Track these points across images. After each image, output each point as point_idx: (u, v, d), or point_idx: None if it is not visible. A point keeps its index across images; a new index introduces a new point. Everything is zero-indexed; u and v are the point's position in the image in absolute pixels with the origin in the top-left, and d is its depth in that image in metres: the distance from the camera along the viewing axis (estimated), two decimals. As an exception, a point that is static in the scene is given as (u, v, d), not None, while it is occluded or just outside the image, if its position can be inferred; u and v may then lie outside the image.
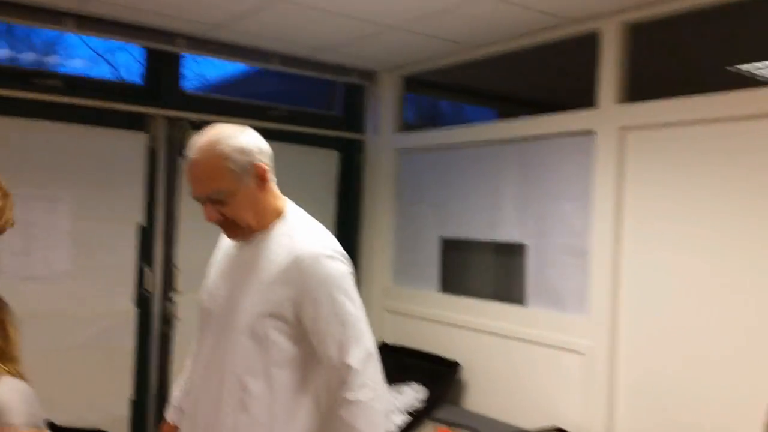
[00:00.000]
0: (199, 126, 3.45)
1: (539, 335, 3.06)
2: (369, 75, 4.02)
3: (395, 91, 4.00)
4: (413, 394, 3.31)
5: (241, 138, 1.73)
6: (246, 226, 1.75)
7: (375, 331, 3.89)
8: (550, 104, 3.27)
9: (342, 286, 1.72)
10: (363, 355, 1.68)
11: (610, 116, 2.83)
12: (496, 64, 3.50)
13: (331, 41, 3.40)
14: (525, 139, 3.20)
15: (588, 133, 2.90)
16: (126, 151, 3.35)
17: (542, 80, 3.83)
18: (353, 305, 1.72)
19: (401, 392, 3.37)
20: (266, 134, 3.81)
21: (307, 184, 4.00)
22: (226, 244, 1.90)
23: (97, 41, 4.11)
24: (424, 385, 3.37)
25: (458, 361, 3.37)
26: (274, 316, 1.70)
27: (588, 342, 2.86)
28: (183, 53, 3.47)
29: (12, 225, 1.26)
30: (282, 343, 1.71)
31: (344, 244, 4.06)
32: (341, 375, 1.66)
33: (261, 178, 1.74)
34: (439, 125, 4.09)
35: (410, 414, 3.21)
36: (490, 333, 3.29)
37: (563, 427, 2.87)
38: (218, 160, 1.68)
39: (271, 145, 3.83)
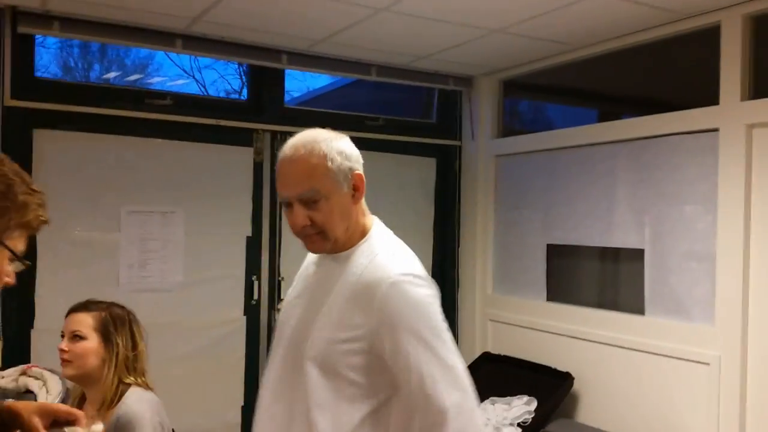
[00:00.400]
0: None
1: (659, 345, 2.91)
2: (466, 80, 3.97)
3: (494, 96, 3.93)
4: (523, 407, 3.21)
5: (342, 142, 1.61)
6: (334, 238, 1.58)
7: (477, 341, 3.89)
8: (662, 103, 3.12)
9: (425, 316, 1.52)
10: (453, 399, 1.46)
11: (735, 113, 2.66)
12: (600, 63, 3.38)
13: (429, 49, 3.38)
14: (640, 140, 3.06)
15: (711, 131, 2.75)
16: (234, 165, 3.44)
17: (653, 78, 3.67)
18: (439, 338, 1.52)
19: (510, 404, 3.28)
20: (364, 144, 3.84)
21: (406, 193, 4.00)
22: (308, 262, 1.76)
23: (184, 60, 4.26)
24: (534, 396, 3.27)
25: (570, 372, 3.25)
26: (347, 344, 1.53)
27: (715, 352, 2.69)
28: (285, 69, 3.53)
29: (46, 223, 1.25)
30: (354, 376, 1.53)
31: (443, 252, 4.09)
32: (433, 419, 1.46)
33: (357, 189, 1.61)
34: (533, 129, 3.99)
35: (520, 426, 3.12)
36: (604, 343, 3.15)
37: (688, 442, 2.72)
38: (318, 158, 1.54)
39: (370, 155, 3.85)
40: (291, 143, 1.59)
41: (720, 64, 2.73)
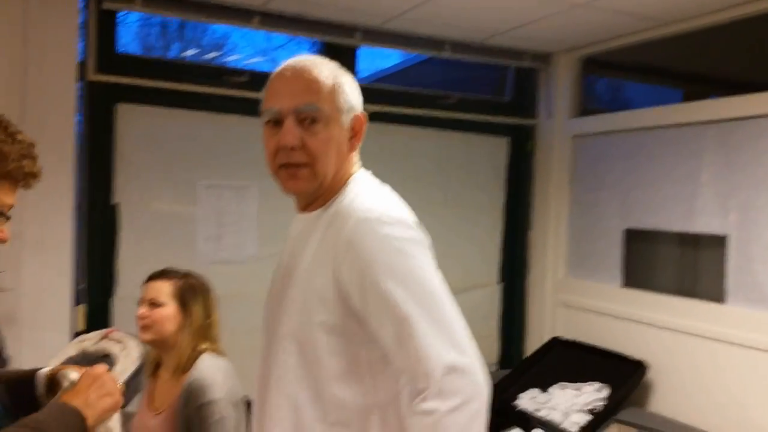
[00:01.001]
0: (373, 117, 3.54)
1: (740, 336, 2.78)
2: (543, 57, 3.86)
3: (572, 73, 3.81)
4: (594, 393, 3.14)
5: (350, 77, 1.42)
6: (323, 174, 1.34)
7: (547, 325, 3.83)
8: (750, 83, 2.95)
9: (404, 257, 1.25)
10: (440, 355, 1.21)
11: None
12: (686, 41, 3.22)
13: (506, 24, 3.29)
14: (728, 121, 2.90)
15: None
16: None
17: (742, 57, 3.47)
18: (424, 286, 1.25)
19: (580, 390, 3.21)
20: (435, 123, 3.82)
21: (476, 173, 3.94)
22: (289, 231, 1.52)
23: (259, 40, 4.31)
24: (605, 383, 3.20)
25: (644, 360, 3.15)
26: (319, 300, 1.30)
27: (801, 346, 2.56)
28: (359, 46, 3.52)
29: (33, 175, 1.21)
30: (333, 346, 1.29)
31: (513, 234, 4.02)
32: (411, 378, 1.24)
33: (356, 132, 1.40)
34: (612, 109, 3.84)
35: (591, 413, 3.05)
36: (681, 332, 3.04)
37: (769, 437, 2.60)
38: (326, 76, 1.34)
39: (441, 134, 3.83)
40: (294, 59, 1.39)
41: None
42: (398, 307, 1.22)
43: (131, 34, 3.70)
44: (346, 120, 1.37)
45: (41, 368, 1.40)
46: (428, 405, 1.19)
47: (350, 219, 1.28)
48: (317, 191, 1.37)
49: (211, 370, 1.97)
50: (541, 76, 3.96)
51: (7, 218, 1.23)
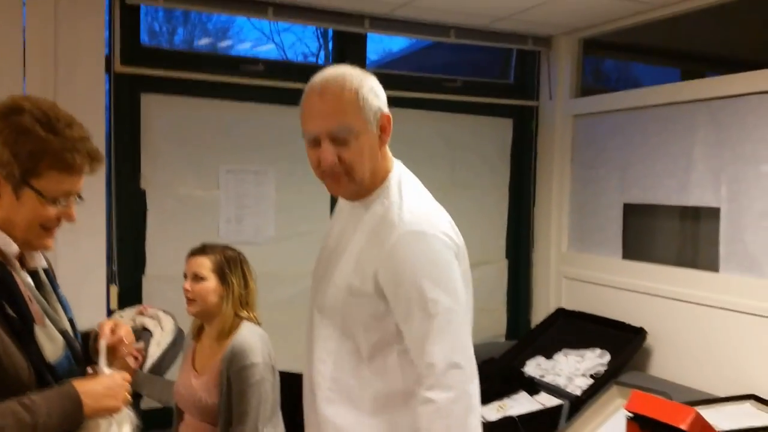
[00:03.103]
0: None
1: (733, 302, 2.96)
2: (545, 40, 4.01)
3: (573, 55, 3.96)
4: (596, 359, 3.33)
5: (374, 81, 1.56)
6: (360, 179, 1.53)
7: (552, 297, 4.00)
8: (742, 61, 3.10)
9: (434, 270, 1.49)
10: (446, 354, 1.45)
11: (819, 71, 2.65)
12: (683, 21, 3.36)
13: (509, 9, 3.44)
14: (719, 99, 3.06)
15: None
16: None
17: (736, 37, 3.61)
18: (445, 294, 1.48)
19: (583, 356, 3.40)
20: (443, 105, 3.98)
21: (482, 153, 4.10)
22: (336, 209, 1.75)
23: (263, 24, 4.44)
24: (607, 350, 3.38)
25: (644, 327, 3.34)
26: (360, 293, 1.53)
27: (789, 310, 2.74)
28: (368, 33, 3.67)
29: (73, 166, 1.34)
30: (370, 325, 1.54)
31: (518, 210, 4.19)
32: (420, 371, 1.48)
33: (384, 130, 1.56)
34: (613, 89, 3.99)
35: (593, 377, 3.25)
36: (678, 300, 3.22)
37: (758, 394, 2.77)
38: (350, 94, 1.49)
39: (447, 117, 3.98)
40: (320, 77, 1.53)
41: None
42: (425, 306, 1.46)
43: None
44: (374, 124, 1.53)
45: (96, 327, 1.58)
46: (430, 394, 1.44)
47: (396, 230, 1.50)
48: (358, 190, 1.57)
49: (251, 337, 2.16)
50: (542, 58, 4.11)
51: (63, 203, 1.37)
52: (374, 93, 1.54)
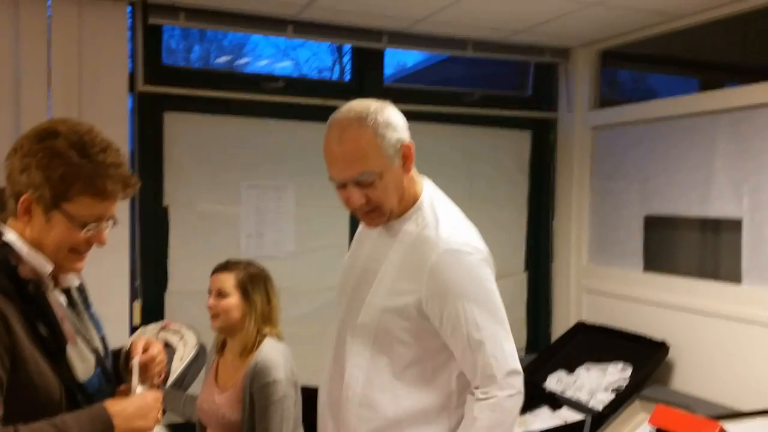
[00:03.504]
0: (401, 116, 3.72)
1: (756, 314, 2.93)
2: (562, 52, 4.00)
3: (591, 67, 3.95)
4: (618, 373, 3.30)
5: (390, 113, 1.57)
6: (389, 209, 1.59)
7: (572, 311, 3.98)
8: (761, 71, 3.08)
9: (476, 284, 1.56)
10: (501, 365, 1.55)
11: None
12: (701, 32, 3.35)
13: (526, 23, 3.45)
14: (740, 109, 3.04)
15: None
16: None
17: (755, 46, 3.59)
18: (487, 313, 1.55)
19: (604, 371, 3.38)
20: (460, 119, 3.99)
21: (501, 166, 4.10)
22: (361, 229, 1.78)
23: (279, 40, 4.48)
24: (630, 364, 3.35)
25: (666, 341, 3.31)
26: (398, 312, 1.57)
27: (815, 323, 2.70)
28: (386, 49, 3.70)
29: (103, 192, 1.34)
30: (406, 341, 1.58)
31: (537, 223, 4.18)
32: (477, 383, 1.57)
33: (407, 158, 1.59)
34: (629, 100, 3.98)
35: (615, 392, 3.22)
36: (701, 312, 3.19)
37: (785, 410, 2.74)
38: (368, 138, 1.52)
39: (465, 130, 3.99)
40: (337, 119, 1.56)
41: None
42: (474, 322, 1.54)
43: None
44: (396, 157, 1.56)
45: (126, 345, 1.60)
46: (491, 392, 1.55)
47: (435, 249, 1.55)
48: (395, 214, 1.62)
49: (274, 353, 2.18)
50: (560, 70, 4.11)
51: (96, 228, 1.36)
52: (392, 127, 1.55)
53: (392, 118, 1.57)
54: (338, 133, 1.54)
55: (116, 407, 1.35)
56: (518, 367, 1.59)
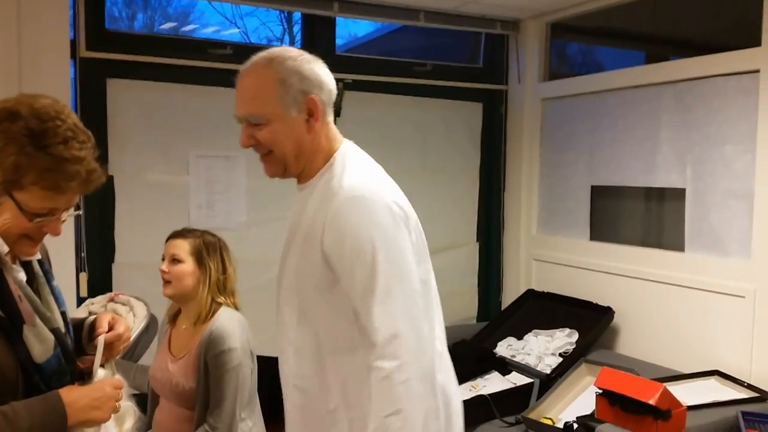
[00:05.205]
0: (352, 86, 3.69)
1: (698, 280, 3.04)
2: (513, 24, 4.03)
3: (540, 39, 3.99)
4: (565, 338, 3.40)
5: (304, 64, 1.53)
6: (282, 157, 1.55)
7: (522, 279, 4.06)
8: (705, 45, 3.16)
9: (376, 233, 1.45)
10: (390, 320, 1.43)
11: (778, 54, 2.71)
12: (647, 5, 3.41)
13: (477, -7, 3.46)
14: (684, 81, 3.12)
15: (752, 72, 2.80)
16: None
17: (698, 20, 3.67)
18: (384, 261, 1.44)
19: (552, 336, 3.47)
20: (412, 90, 3.97)
21: (452, 138, 4.12)
22: (295, 195, 1.71)
23: (226, 7, 4.36)
24: (576, 329, 3.45)
25: (611, 307, 3.41)
26: (310, 270, 1.52)
27: (750, 285, 2.82)
28: (336, 17, 3.65)
29: (60, 190, 1.27)
30: (321, 299, 1.52)
31: (489, 194, 4.22)
32: (368, 335, 1.45)
33: (311, 114, 1.53)
34: (578, 73, 4.04)
35: (562, 356, 3.31)
36: (645, 279, 3.30)
37: (722, 370, 2.86)
38: (265, 80, 1.50)
39: (417, 101, 3.99)
40: (252, 58, 1.55)
41: (763, 5, 2.76)
42: (367, 269, 1.44)
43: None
44: (295, 108, 1.52)
45: (89, 317, 1.56)
46: (378, 363, 1.43)
47: (337, 197, 1.48)
48: (294, 169, 1.58)
49: (229, 322, 2.16)
50: (511, 42, 4.14)
51: (47, 219, 1.29)
52: (300, 76, 1.51)
53: (305, 69, 1.52)
54: (245, 69, 1.54)
55: (71, 397, 1.31)
56: (405, 331, 1.43)
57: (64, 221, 1.34)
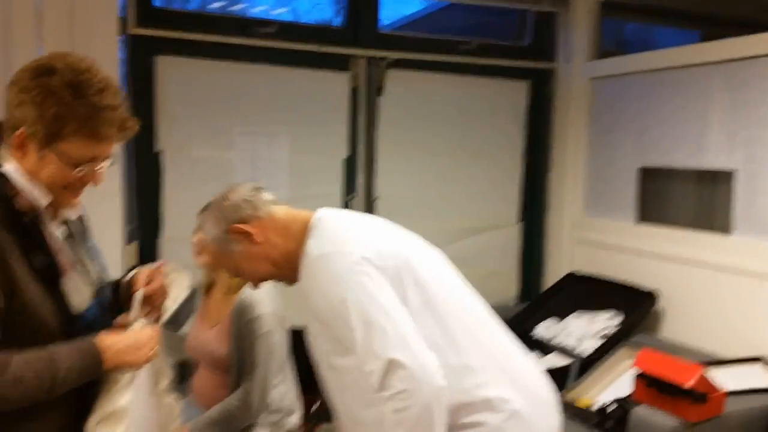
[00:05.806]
0: (395, 64, 3.68)
1: (746, 264, 2.95)
2: (562, 1, 3.94)
3: (591, 17, 3.90)
4: (607, 321, 3.35)
5: (215, 209, 1.68)
6: (259, 279, 1.69)
7: (564, 262, 4.01)
8: (762, 23, 3.04)
9: (333, 295, 1.48)
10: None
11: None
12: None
13: (524, -30, 3.40)
14: (736, 61, 3.01)
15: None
16: (332, 90, 3.62)
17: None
18: (344, 320, 1.45)
19: (593, 318, 3.42)
20: (455, 68, 3.93)
21: (495, 118, 4.06)
22: None
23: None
24: (619, 312, 3.40)
25: (655, 290, 3.34)
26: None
27: (802, 272, 2.73)
28: (381, -7, 3.64)
29: (101, 137, 1.36)
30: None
31: (533, 176, 4.15)
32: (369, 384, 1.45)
33: (247, 236, 1.62)
34: (631, 51, 3.93)
35: (604, 339, 3.26)
36: (691, 263, 3.22)
37: (769, 358, 2.79)
38: (205, 244, 1.75)
39: (460, 80, 3.94)
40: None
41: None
42: (344, 337, 1.47)
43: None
44: (232, 245, 1.68)
45: (128, 275, 1.62)
46: (381, 393, 1.40)
47: (303, 267, 1.57)
48: (285, 277, 1.70)
49: (259, 291, 2.21)
50: (559, 19, 4.04)
51: (89, 168, 1.37)
52: (214, 221, 1.67)
53: (216, 216, 1.66)
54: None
55: (108, 341, 1.37)
56: (401, 356, 1.38)
57: (102, 171, 1.41)
